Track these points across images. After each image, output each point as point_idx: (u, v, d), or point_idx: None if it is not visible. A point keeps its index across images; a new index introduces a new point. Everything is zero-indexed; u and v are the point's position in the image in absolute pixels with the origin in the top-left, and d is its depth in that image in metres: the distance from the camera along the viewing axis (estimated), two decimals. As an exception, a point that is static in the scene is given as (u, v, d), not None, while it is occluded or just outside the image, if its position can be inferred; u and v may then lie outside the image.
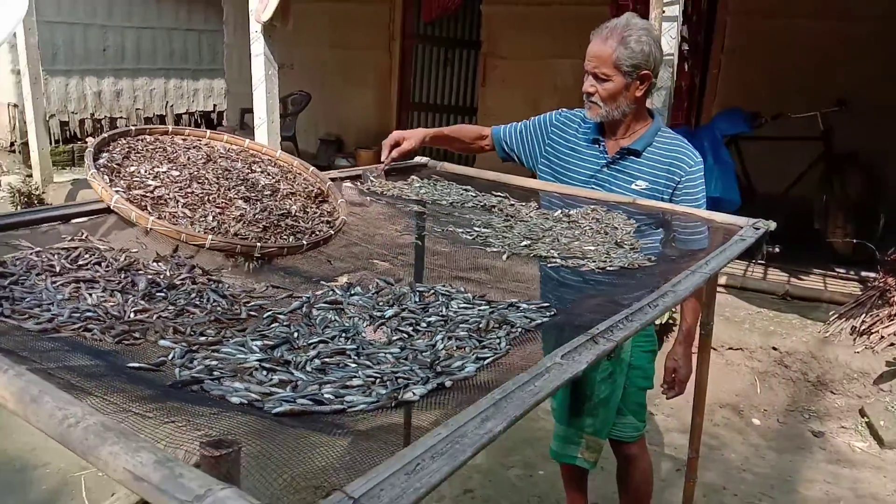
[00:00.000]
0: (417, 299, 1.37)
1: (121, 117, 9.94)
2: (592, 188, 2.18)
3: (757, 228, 1.83)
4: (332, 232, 1.66)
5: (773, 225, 1.84)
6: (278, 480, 0.64)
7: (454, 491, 3.22)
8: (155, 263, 1.40)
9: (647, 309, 1.20)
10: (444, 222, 1.93)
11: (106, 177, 1.56)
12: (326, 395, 0.87)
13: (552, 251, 1.71)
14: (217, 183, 1.70)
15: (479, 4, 7.39)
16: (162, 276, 1.33)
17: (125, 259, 1.39)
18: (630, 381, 2.25)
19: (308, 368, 1.00)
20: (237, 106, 9.11)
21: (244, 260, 1.51)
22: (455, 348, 1.09)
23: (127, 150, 1.72)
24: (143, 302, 1.20)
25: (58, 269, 1.28)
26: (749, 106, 5.40)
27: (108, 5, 9.45)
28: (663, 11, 3.77)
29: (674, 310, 2.38)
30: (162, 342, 1.04)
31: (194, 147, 1.86)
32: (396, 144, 2.25)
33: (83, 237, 1.43)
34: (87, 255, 1.36)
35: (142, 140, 1.80)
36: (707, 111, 6.18)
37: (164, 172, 1.67)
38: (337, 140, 8.72)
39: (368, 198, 2.01)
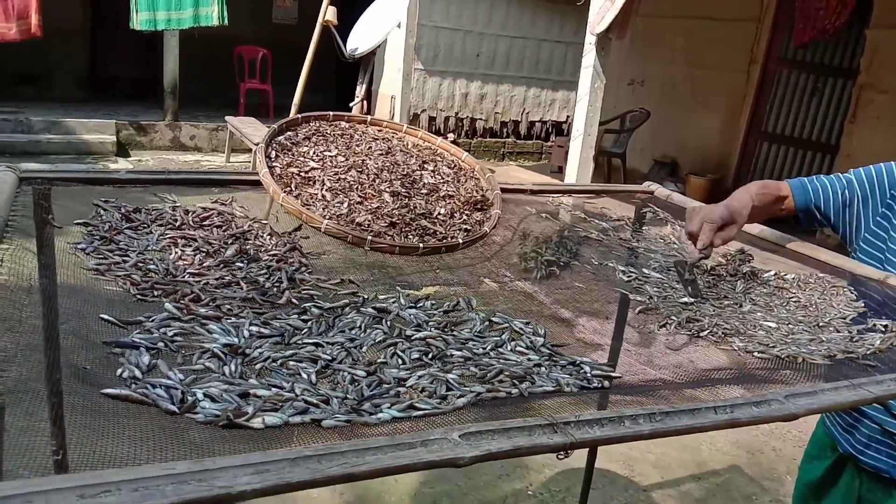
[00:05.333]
0: (479, 329, 1.20)
1: (480, 118, 10.82)
2: None
3: None
4: (460, 242, 1.55)
5: None
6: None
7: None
8: (267, 236, 1.47)
9: (703, 414, 0.87)
10: (609, 255, 1.67)
11: (274, 152, 1.68)
12: (197, 396, 0.81)
13: (704, 317, 1.36)
14: (375, 174, 1.72)
15: (864, 28, 6.30)
16: (259, 249, 1.39)
17: (247, 227, 1.49)
18: None
19: (255, 366, 0.95)
20: (580, 117, 9.23)
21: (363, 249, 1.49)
22: (421, 389, 0.93)
23: (314, 132, 1.83)
24: (210, 267, 1.27)
25: (178, 223, 1.41)
26: None
27: (488, 14, 10.32)
28: None
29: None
30: (166, 305, 1.08)
31: (383, 139, 1.91)
32: (720, 227, 1.52)
33: (228, 201, 1.57)
34: (216, 217, 1.49)
35: (336, 125, 1.90)
36: None
37: (332, 157, 1.74)
38: (672, 163, 8.29)
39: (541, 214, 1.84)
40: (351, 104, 7.50)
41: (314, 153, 1.74)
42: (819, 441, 1.88)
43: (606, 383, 1.03)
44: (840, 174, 1.76)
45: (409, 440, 0.70)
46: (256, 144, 1.71)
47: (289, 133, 1.80)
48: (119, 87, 10.01)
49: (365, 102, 7.87)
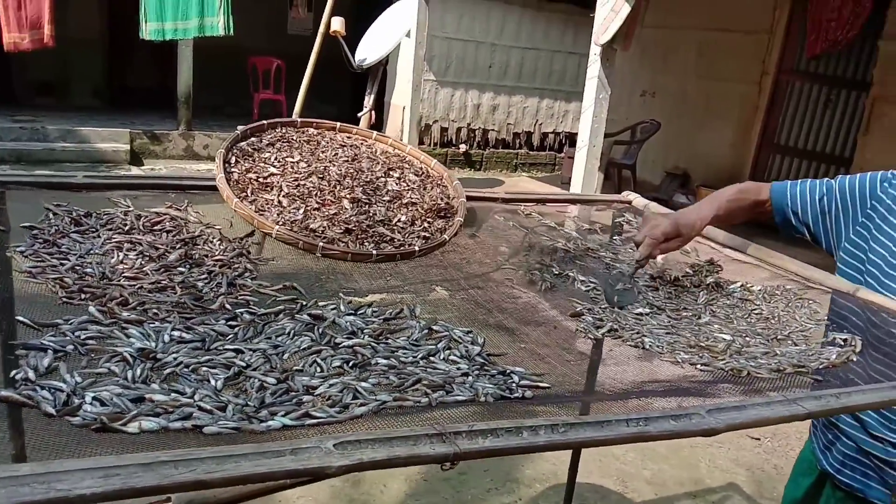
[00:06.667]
0: (417, 337, 1.18)
1: (492, 129, 10.81)
2: None
3: None
4: (417, 249, 1.53)
5: None
6: None
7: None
8: (217, 242, 1.45)
9: (612, 426, 0.84)
10: (570, 264, 1.64)
11: (234, 157, 1.68)
12: (85, 399, 0.79)
13: (651, 329, 1.32)
14: (337, 181, 1.70)
15: (877, 39, 6.20)
16: (205, 255, 1.38)
17: (198, 232, 1.48)
18: None
19: (164, 371, 0.93)
20: (591, 129, 9.17)
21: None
22: (327, 398, 0.90)
23: (278, 138, 1.83)
24: (149, 271, 1.26)
25: (126, 228, 1.41)
26: None
27: (500, 25, 10.33)
28: None
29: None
30: (90, 308, 1.06)
31: (351, 146, 1.90)
32: (665, 239, 1.53)
33: (183, 206, 1.56)
34: (168, 223, 1.48)
35: (303, 132, 1.89)
36: None
37: (294, 163, 1.73)
38: (683, 174, 8.21)
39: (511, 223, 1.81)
40: (359, 114, 7.53)
41: (276, 159, 1.73)
42: (805, 459, 1.83)
43: (528, 393, 1.00)
44: (825, 179, 1.69)
45: (278, 448, 0.68)
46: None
47: (252, 139, 1.80)
48: (135, 97, 10.14)
49: (373, 113, 7.90)
